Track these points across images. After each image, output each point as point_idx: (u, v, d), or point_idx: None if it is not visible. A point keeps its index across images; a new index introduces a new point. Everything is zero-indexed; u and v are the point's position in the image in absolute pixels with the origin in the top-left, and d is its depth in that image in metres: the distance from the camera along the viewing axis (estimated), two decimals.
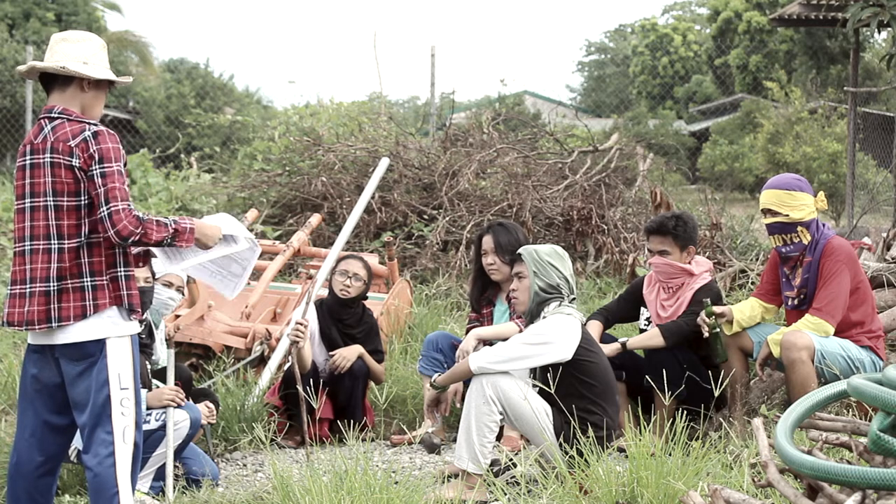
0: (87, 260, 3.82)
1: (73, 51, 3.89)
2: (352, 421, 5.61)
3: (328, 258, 7.28)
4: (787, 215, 5.11)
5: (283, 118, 13.24)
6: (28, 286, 3.83)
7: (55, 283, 3.79)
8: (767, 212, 5.19)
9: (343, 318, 6.12)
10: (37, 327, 3.81)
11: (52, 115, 3.87)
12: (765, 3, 27.54)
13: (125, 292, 3.87)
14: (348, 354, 6.00)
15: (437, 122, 13.35)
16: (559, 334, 4.76)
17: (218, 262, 4.38)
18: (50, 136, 3.82)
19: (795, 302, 5.22)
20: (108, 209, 3.75)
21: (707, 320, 5.28)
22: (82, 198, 3.80)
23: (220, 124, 20.33)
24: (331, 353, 6.06)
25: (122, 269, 3.88)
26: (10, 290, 3.90)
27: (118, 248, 3.84)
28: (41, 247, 3.82)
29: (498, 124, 11.40)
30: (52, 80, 3.91)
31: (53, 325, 3.79)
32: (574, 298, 4.94)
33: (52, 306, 3.79)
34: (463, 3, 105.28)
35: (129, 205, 3.78)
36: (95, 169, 3.77)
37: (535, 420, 4.68)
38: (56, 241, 3.80)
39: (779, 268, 5.33)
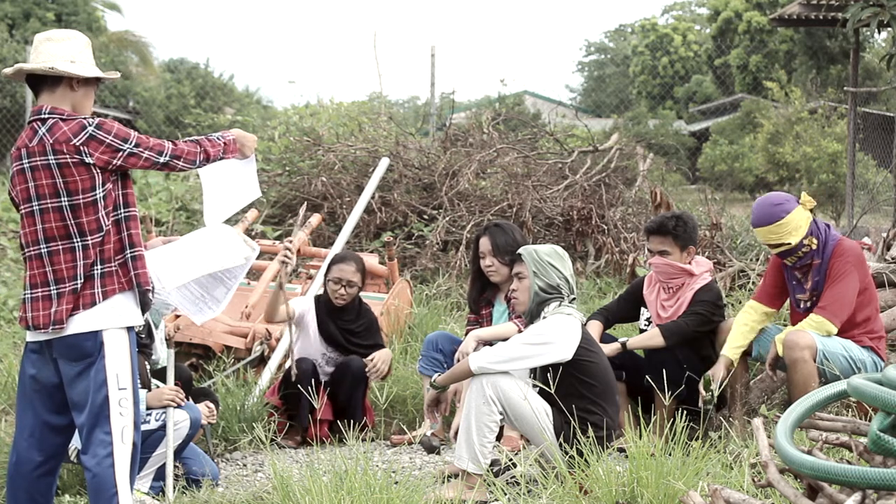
0: (98, 249, 3.82)
1: (59, 50, 3.87)
2: (352, 421, 5.61)
3: (328, 258, 7.28)
4: (790, 242, 5.09)
5: (283, 118, 13.24)
6: (53, 287, 3.82)
7: (80, 280, 3.80)
8: (770, 245, 5.18)
9: (341, 317, 6.12)
10: (64, 326, 3.80)
11: (43, 115, 3.84)
12: (765, 3, 27.56)
13: (134, 272, 3.87)
14: (385, 357, 6.05)
15: (437, 122, 13.34)
16: (559, 334, 4.76)
17: (204, 283, 4.41)
18: (47, 137, 3.80)
19: (808, 304, 5.20)
20: (166, 155, 3.93)
21: (705, 396, 5.25)
22: (97, 192, 3.80)
23: (220, 124, 20.30)
24: (343, 357, 6.06)
25: (130, 250, 3.88)
26: (32, 293, 3.86)
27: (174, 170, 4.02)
28: (62, 247, 3.81)
29: (498, 124, 11.40)
30: (40, 81, 3.88)
31: (68, 316, 3.78)
32: (574, 298, 4.94)
33: (74, 300, 3.79)
34: (463, 3, 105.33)
35: (171, 141, 4.00)
36: (127, 148, 3.83)
37: (535, 420, 4.68)
38: (79, 239, 3.80)
39: (783, 271, 5.30)
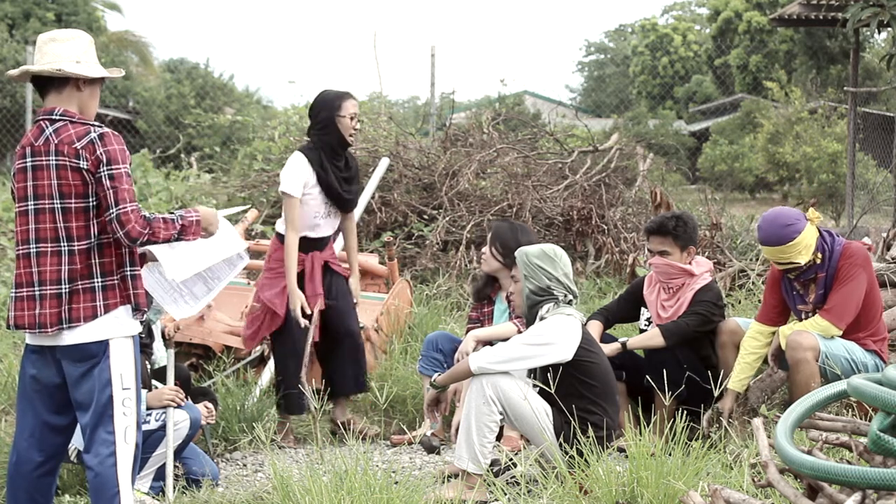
0: (97, 261, 3.82)
1: (64, 51, 3.86)
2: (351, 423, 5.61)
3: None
4: (799, 262, 5.05)
5: (283, 118, 13.24)
6: (37, 289, 3.82)
7: (66, 286, 3.79)
8: (778, 263, 5.14)
9: (336, 163, 5.95)
10: (49, 330, 3.80)
11: (54, 116, 3.85)
12: (765, 3, 27.57)
13: (132, 291, 3.87)
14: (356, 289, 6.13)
15: (437, 122, 13.34)
16: (559, 335, 4.76)
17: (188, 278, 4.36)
18: (53, 138, 3.81)
19: (813, 315, 5.17)
20: (117, 211, 3.76)
21: (709, 428, 5.22)
22: (90, 199, 3.80)
23: (220, 124, 20.32)
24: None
25: (130, 268, 3.88)
26: (16, 293, 3.87)
27: (126, 248, 3.85)
28: (49, 249, 3.81)
29: (498, 124, 11.39)
30: (46, 82, 3.88)
31: (64, 326, 3.78)
32: (571, 299, 4.91)
33: (63, 308, 3.79)
34: (463, 3, 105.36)
35: (137, 206, 3.81)
36: (103, 171, 3.77)
37: (534, 420, 4.68)
38: (66, 244, 3.80)
39: (781, 284, 5.26)
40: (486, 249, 5.81)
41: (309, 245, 5.90)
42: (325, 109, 5.89)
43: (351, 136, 5.91)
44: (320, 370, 6.08)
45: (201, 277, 4.40)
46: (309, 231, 5.89)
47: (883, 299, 5.87)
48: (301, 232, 5.84)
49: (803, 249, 5.01)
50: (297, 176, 5.82)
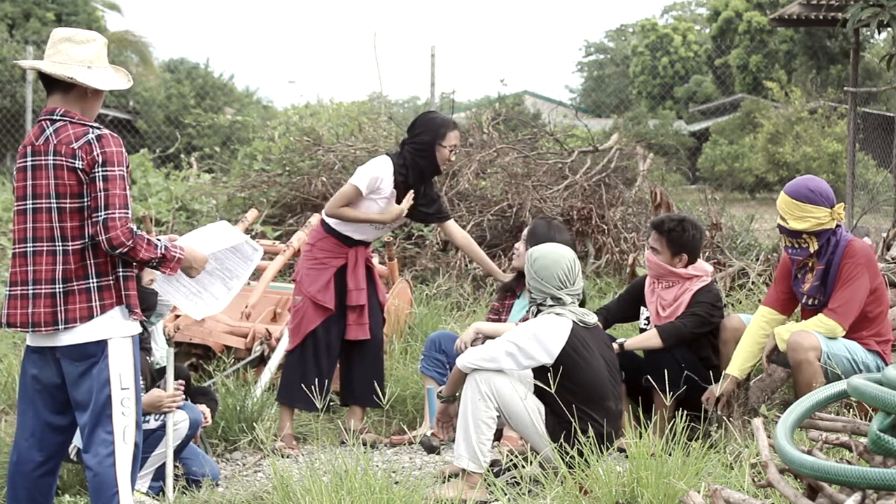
0: (92, 261, 3.82)
1: (78, 54, 3.88)
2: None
3: None
4: (788, 223, 5.06)
5: (283, 118, 13.23)
6: (31, 288, 3.83)
7: (61, 286, 3.80)
8: (779, 213, 5.14)
9: (423, 187, 5.95)
10: (43, 329, 3.81)
11: (54, 117, 3.86)
12: (765, 3, 27.57)
13: (125, 292, 3.88)
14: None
15: None
16: (540, 335, 4.73)
17: (201, 280, 4.35)
18: (52, 138, 3.83)
19: (809, 302, 5.17)
20: (105, 214, 3.76)
21: (710, 408, 5.22)
22: (85, 200, 3.80)
23: (220, 124, 20.34)
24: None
25: (123, 269, 3.88)
26: (10, 291, 3.89)
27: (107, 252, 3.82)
28: (45, 249, 3.82)
29: (498, 124, 11.38)
30: (54, 82, 3.90)
31: (60, 327, 3.79)
32: (557, 305, 4.84)
33: (58, 308, 3.79)
34: (463, 3, 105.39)
35: (126, 214, 3.79)
36: (98, 172, 3.78)
37: (528, 418, 4.68)
38: (60, 244, 3.81)
39: (790, 268, 5.27)
40: (520, 245, 5.84)
41: (353, 241, 5.90)
42: (427, 133, 5.86)
43: (444, 166, 5.94)
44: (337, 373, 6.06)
45: (217, 277, 4.41)
46: (354, 232, 5.91)
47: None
48: (350, 232, 5.87)
49: (800, 218, 4.97)
50: (373, 177, 5.79)
